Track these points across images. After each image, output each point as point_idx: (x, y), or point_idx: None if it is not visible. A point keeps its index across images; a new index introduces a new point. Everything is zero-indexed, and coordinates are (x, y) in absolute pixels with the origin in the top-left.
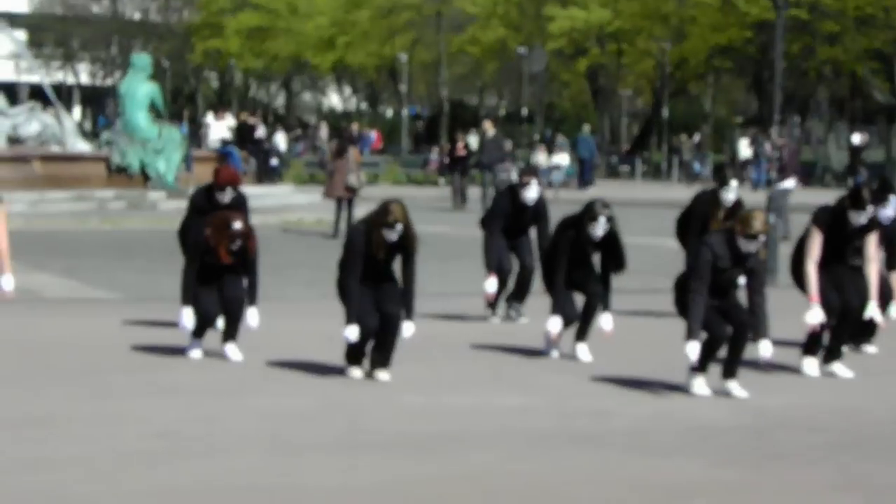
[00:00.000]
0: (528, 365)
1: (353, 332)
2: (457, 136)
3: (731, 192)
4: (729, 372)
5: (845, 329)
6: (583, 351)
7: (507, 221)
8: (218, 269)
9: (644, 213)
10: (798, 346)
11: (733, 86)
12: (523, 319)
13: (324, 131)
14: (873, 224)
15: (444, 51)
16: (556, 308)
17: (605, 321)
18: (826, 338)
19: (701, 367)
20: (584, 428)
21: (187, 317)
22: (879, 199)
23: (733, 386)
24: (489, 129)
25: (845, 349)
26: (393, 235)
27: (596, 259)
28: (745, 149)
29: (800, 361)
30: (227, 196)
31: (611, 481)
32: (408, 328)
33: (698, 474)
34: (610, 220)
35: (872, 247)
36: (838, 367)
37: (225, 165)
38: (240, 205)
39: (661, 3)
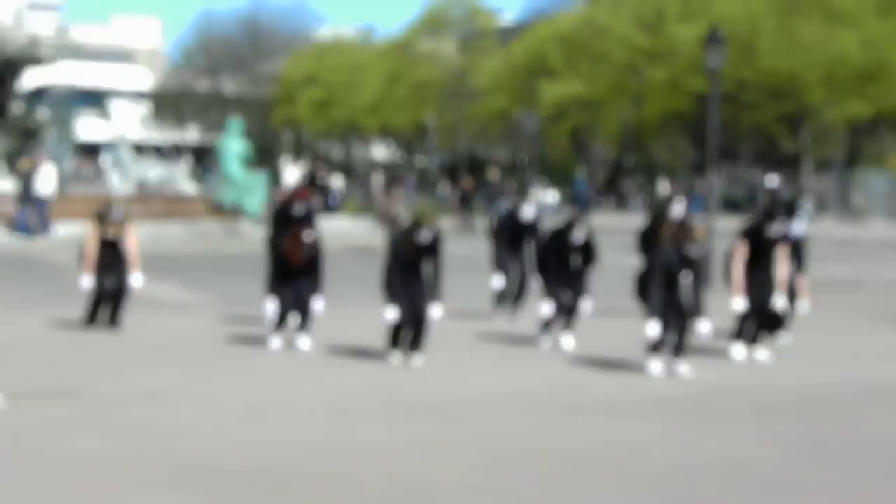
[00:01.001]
0: (525, 351)
1: (391, 313)
2: (461, 177)
3: (678, 208)
4: (677, 354)
5: (762, 321)
6: (568, 341)
7: (510, 235)
8: (294, 273)
9: (612, 237)
10: (727, 334)
11: (680, 140)
12: (523, 318)
13: (378, 177)
14: (785, 236)
15: (461, 115)
16: (547, 295)
17: (585, 305)
18: (748, 328)
19: (655, 349)
20: (568, 398)
21: (270, 306)
22: (790, 212)
23: (680, 366)
24: (494, 174)
25: (764, 338)
26: (425, 237)
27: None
28: (662, 187)
29: (730, 347)
30: (301, 208)
31: (589, 438)
32: (436, 310)
33: (655, 432)
34: (587, 228)
35: (783, 253)
36: (759, 352)
37: (300, 188)
38: (310, 214)
39: (625, 79)
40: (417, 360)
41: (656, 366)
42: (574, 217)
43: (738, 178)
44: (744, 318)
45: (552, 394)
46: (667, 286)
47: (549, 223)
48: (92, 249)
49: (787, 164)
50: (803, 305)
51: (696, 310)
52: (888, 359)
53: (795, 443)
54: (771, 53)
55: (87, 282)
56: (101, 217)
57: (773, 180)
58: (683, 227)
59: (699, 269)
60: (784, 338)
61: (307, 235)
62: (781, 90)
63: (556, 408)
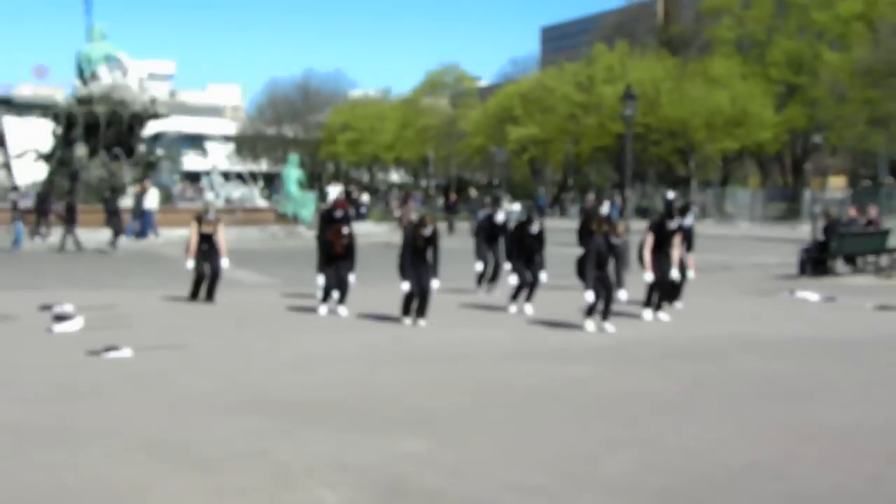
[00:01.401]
0: (498, 315)
1: (406, 286)
2: (449, 193)
3: (605, 207)
4: (604, 316)
5: (664, 291)
6: (529, 308)
7: (487, 233)
8: (335, 258)
9: (559, 235)
10: (639, 302)
11: (606, 167)
12: (496, 292)
13: (395, 194)
14: (679, 227)
15: (452, 150)
16: (514, 271)
17: (542, 276)
18: (654, 298)
19: (590, 313)
20: (529, 348)
21: (320, 279)
22: (683, 213)
23: (607, 325)
24: (473, 191)
25: (665, 305)
26: (428, 231)
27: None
28: (588, 199)
29: (641, 311)
30: (340, 213)
31: (544, 376)
32: (435, 283)
33: (591, 371)
34: (540, 222)
35: (678, 240)
36: (661, 314)
37: (339, 199)
38: (347, 217)
39: (567, 124)
40: (422, 322)
41: (590, 325)
42: (530, 214)
43: (646, 193)
44: (650, 290)
45: (517, 345)
46: (598, 267)
47: (514, 221)
48: (194, 242)
49: (681, 183)
50: (691, 274)
51: (617, 284)
52: (750, 319)
53: (686, 377)
54: (668, 106)
55: (190, 264)
56: (200, 218)
57: (670, 194)
58: (609, 223)
59: (620, 254)
60: (678, 304)
61: (344, 230)
62: (675, 131)
63: (520, 355)
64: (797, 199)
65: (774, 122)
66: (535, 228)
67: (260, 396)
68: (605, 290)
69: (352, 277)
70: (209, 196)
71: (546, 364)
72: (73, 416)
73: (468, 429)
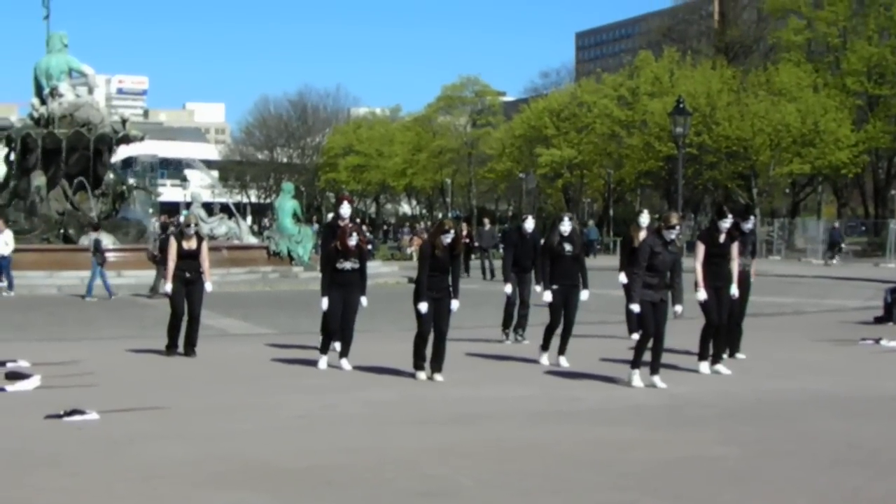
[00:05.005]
0: (528, 369)
1: (423, 307)
2: (461, 226)
3: (644, 217)
4: (653, 370)
5: (721, 339)
6: (563, 360)
7: (517, 250)
8: (342, 275)
9: (600, 274)
10: (695, 354)
11: (653, 195)
12: (525, 341)
13: (409, 229)
14: (736, 234)
15: (473, 176)
16: (546, 287)
17: (584, 295)
18: (711, 348)
19: (635, 365)
20: (564, 407)
21: (324, 302)
22: (744, 217)
23: (657, 379)
24: (487, 224)
25: (725, 356)
26: (448, 238)
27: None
28: (593, 233)
29: (697, 364)
30: (346, 211)
31: (580, 440)
32: (455, 305)
33: (636, 435)
34: (571, 220)
35: (734, 250)
36: (721, 367)
37: (343, 194)
38: (353, 218)
39: (607, 145)
40: (439, 377)
41: (637, 379)
42: (560, 214)
43: (701, 225)
44: (705, 337)
45: (550, 404)
46: (651, 268)
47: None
48: (172, 262)
49: (743, 213)
50: (752, 280)
51: (674, 298)
52: (826, 372)
53: (750, 441)
54: (726, 122)
55: (169, 287)
56: (180, 234)
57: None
58: (661, 216)
59: (676, 251)
60: (740, 355)
61: (351, 226)
62: (735, 153)
63: (553, 415)
64: (881, 232)
65: (852, 141)
66: (566, 227)
67: (250, 466)
68: (655, 341)
69: (364, 301)
70: (191, 208)
71: (584, 426)
72: (27, 491)
73: (493, 501)
